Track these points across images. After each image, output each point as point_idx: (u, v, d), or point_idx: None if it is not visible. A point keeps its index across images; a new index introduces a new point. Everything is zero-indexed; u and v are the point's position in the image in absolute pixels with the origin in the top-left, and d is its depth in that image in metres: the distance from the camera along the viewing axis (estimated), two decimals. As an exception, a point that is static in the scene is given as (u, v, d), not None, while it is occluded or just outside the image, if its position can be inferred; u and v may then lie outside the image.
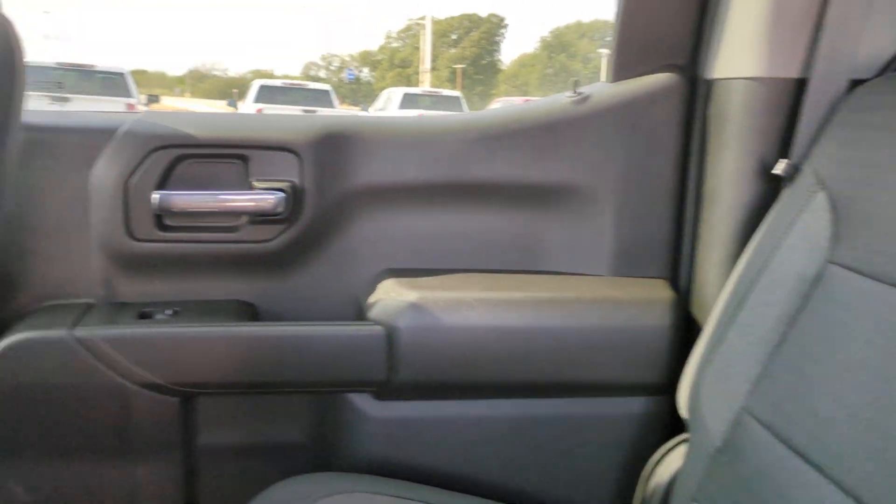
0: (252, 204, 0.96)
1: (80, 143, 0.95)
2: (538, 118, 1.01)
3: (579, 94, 1.01)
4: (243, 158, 0.98)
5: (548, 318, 0.95)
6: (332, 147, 0.99)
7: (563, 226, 1.04)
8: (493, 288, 0.97)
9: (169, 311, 0.96)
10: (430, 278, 1.00)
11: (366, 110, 16.16)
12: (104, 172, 0.94)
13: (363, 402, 0.96)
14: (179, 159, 0.96)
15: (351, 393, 0.96)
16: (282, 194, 0.96)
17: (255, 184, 0.97)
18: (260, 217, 0.98)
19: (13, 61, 0.70)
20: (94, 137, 0.95)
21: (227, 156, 0.97)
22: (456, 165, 1.01)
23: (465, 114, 1.07)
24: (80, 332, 0.88)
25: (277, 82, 14.01)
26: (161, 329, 0.90)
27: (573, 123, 1.00)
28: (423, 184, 1.01)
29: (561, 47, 77.66)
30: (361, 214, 1.03)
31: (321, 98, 13.60)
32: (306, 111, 12.14)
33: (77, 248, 0.97)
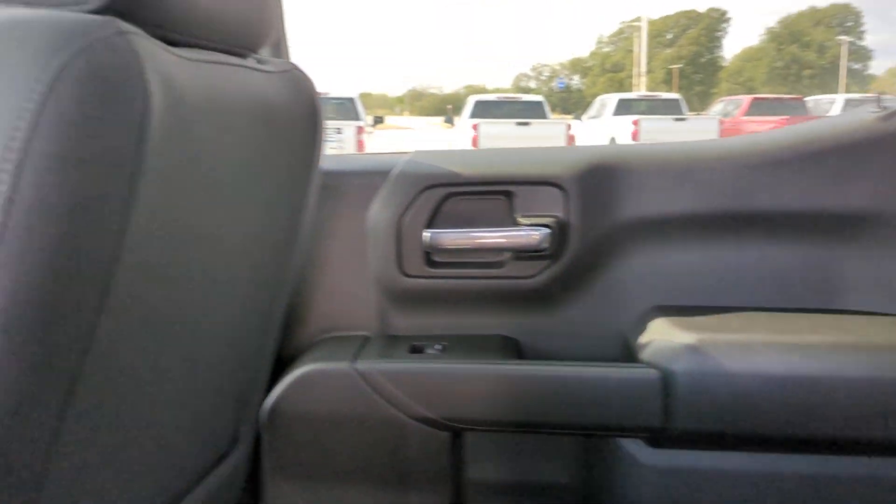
0: (517, 240, 0.95)
1: (359, 185, 1.01)
2: (835, 139, 0.89)
3: (885, 108, 0.88)
4: (508, 194, 0.98)
5: (852, 366, 0.83)
6: (599, 179, 0.96)
7: (869, 259, 0.91)
8: (783, 330, 0.87)
9: (438, 346, 0.98)
10: (707, 318, 0.92)
11: (578, 118, 15.98)
12: (379, 212, 0.99)
13: (635, 449, 0.91)
14: (447, 197, 0.98)
15: (622, 438, 0.91)
16: (546, 230, 0.94)
17: (520, 219, 0.97)
18: (524, 253, 0.97)
19: (316, 115, 0.75)
20: (371, 179, 1.00)
21: (493, 192, 0.98)
22: (736, 194, 0.92)
23: (746, 137, 0.98)
24: (361, 365, 0.93)
25: (492, 97, 14.32)
26: (433, 365, 0.92)
27: (880, 143, 0.87)
28: (697, 215, 0.94)
29: (791, 37, 71.20)
30: (629, 248, 0.98)
31: (534, 109, 13.67)
32: (520, 123, 12.31)
33: (355, 284, 1.03)
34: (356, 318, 1.04)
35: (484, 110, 13.55)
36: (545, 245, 0.95)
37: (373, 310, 1.03)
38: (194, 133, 0.50)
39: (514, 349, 1.00)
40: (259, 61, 0.68)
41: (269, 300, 0.78)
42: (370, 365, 0.93)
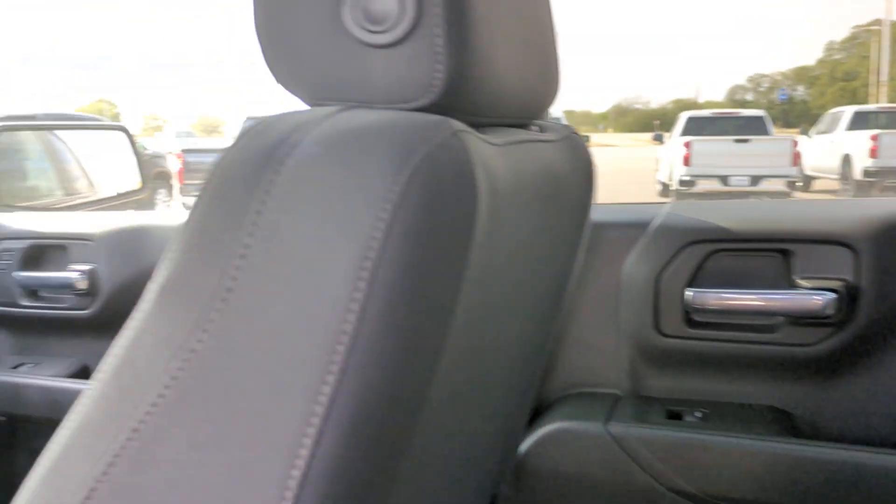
0: (795, 304, 0.86)
1: (616, 237, 0.97)
2: None
3: None
4: (784, 253, 0.89)
5: None
6: None
7: None
8: None
9: (698, 413, 0.92)
10: None
11: (805, 133, 14.58)
12: (636, 266, 0.95)
13: None
14: (712, 253, 0.92)
15: None
16: (832, 295, 0.84)
17: (799, 281, 0.88)
18: (803, 319, 0.88)
19: (592, 179, 0.73)
20: (628, 231, 0.96)
21: (766, 250, 0.90)
22: None
23: None
24: (614, 427, 0.89)
25: (706, 112, 13.57)
26: (695, 434, 0.86)
27: None
28: None
29: None
30: None
31: (754, 125, 12.73)
32: (738, 141, 11.54)
33: (606, 340, 0.99)
34: (605, 375, 1.00)
35: (697, 127, 12.88)
36: (830, 311, 0.85)
37: (624, 368, 0.99)
38: (503, 220, 0.49)
39: (786, 423, 0.90)
40: (540, 129, 0.67)
41: (537, 356, 0.77)
42: (625, 429, 0.89)
